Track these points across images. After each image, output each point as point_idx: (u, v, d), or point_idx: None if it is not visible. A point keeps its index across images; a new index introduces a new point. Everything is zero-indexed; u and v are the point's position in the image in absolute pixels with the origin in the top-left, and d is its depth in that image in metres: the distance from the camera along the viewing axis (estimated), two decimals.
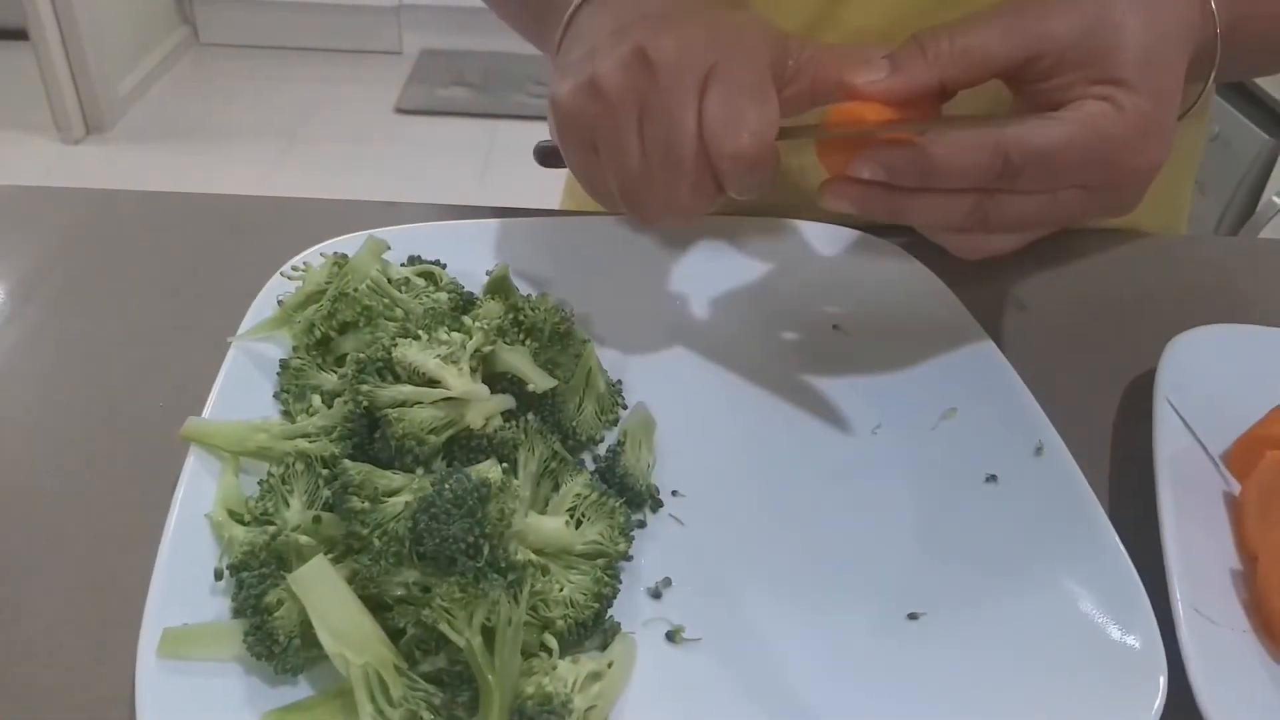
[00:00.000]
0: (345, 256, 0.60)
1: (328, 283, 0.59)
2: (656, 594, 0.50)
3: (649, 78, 0.51)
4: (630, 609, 0.49)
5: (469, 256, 0.65)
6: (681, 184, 0.52)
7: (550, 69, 0.59)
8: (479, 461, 0.48)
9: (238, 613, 0.46)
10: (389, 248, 0.61)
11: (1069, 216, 0.53)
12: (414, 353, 0.51)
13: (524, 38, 0.72)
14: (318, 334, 0.57)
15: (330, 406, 0.52)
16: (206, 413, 0.54)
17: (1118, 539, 0.50)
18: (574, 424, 0.56)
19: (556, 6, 0.61)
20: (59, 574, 0.51)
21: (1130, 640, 0.47)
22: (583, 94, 0.53)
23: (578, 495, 0.50)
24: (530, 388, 0.53)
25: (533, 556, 0.46)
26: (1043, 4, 0.52)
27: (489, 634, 0.43)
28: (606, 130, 0.53)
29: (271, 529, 0.47)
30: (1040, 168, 0.50)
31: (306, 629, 0.44)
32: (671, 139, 0.51)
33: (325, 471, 0.49)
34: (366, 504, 0.46)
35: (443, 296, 0.59)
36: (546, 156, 0.68)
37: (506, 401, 0.52)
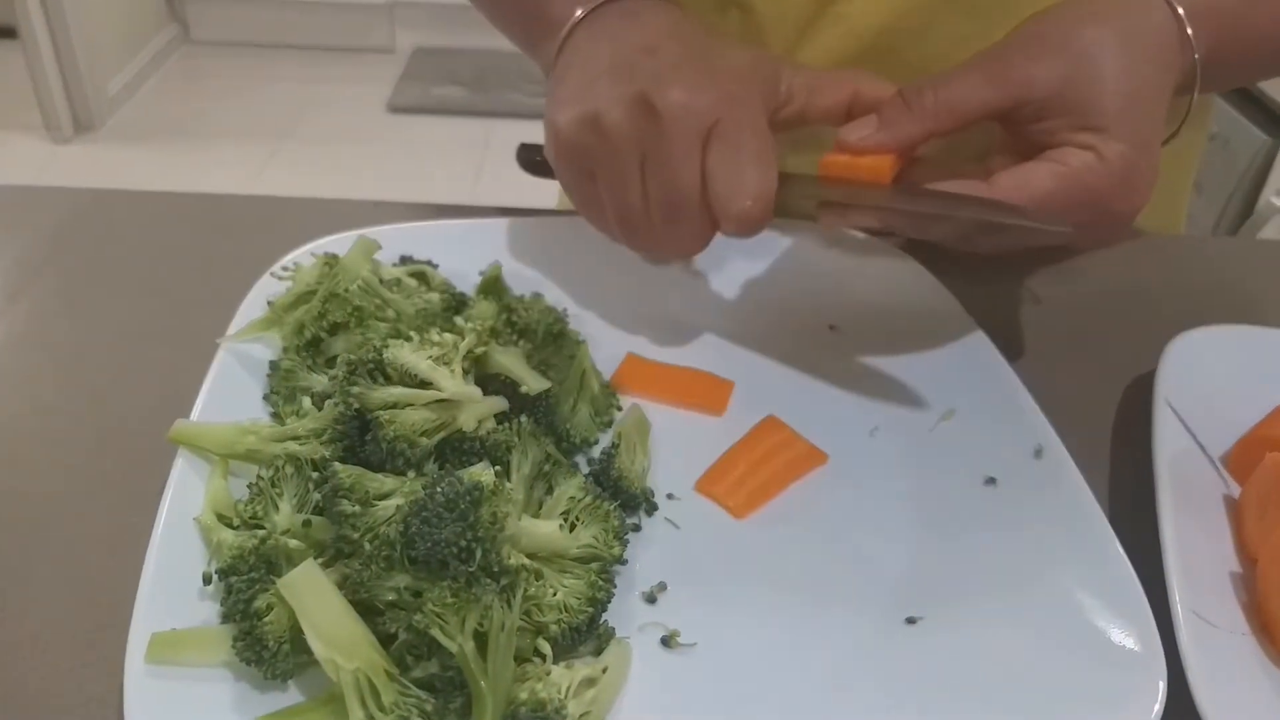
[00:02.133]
0: (336, 256, 0.60)
1: (318, 283, 0.58)
2: (651, 598, 0.50)
3: (654, 127, 0.53)
4: (625, 614, 0.48)
5: (461, 257, 0.64)
6: (681, 231, 0.55)
7: (547, 87, 0.59)
8: (471, 464, 0.48)
9: (227, 617, 0.45)
10: (380, 247, 0.60)
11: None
12: (405, 354, 0.50)
13: (511, 41, 0.71)
14: (308, 335, 0.57)
15: (320, 408, 0.52)
16: (195, 415, 0.54)
17: (1117, 541, 0.50)
18: (568, 426, 0.55)
19: (548, 19, 0.61)
20: (46, 577, 0.50)
21: (1129, 643, 0.46)
22: (586, 127, 0.55)
23: (571, 498, 0.50)
24: (523, 389, 0.52)
25: (526, 561, 0.46)
26: (1024, 52, 0.55)
27: (481, 639, 0.42)
28: (607, 167, 0.55)
29: (261, 533, 0.47)
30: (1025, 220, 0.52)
31: (296, 634, 0.43)
32: (674, 192, 0.53)
33: (315, 474, 0.49)
34: (357, 507, 0.45)
35: (435, 297, 0.59)
36: (535, 166, 0.68)
37: (499, 403, 0.52)
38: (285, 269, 0.61)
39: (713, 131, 0.53)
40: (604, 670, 0.45)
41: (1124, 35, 0.55)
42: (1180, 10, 0.57)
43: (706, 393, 0.61)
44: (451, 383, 0.50)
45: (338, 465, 0.47)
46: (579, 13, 0.59)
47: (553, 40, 0.60)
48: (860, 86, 0.58)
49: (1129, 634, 0.47)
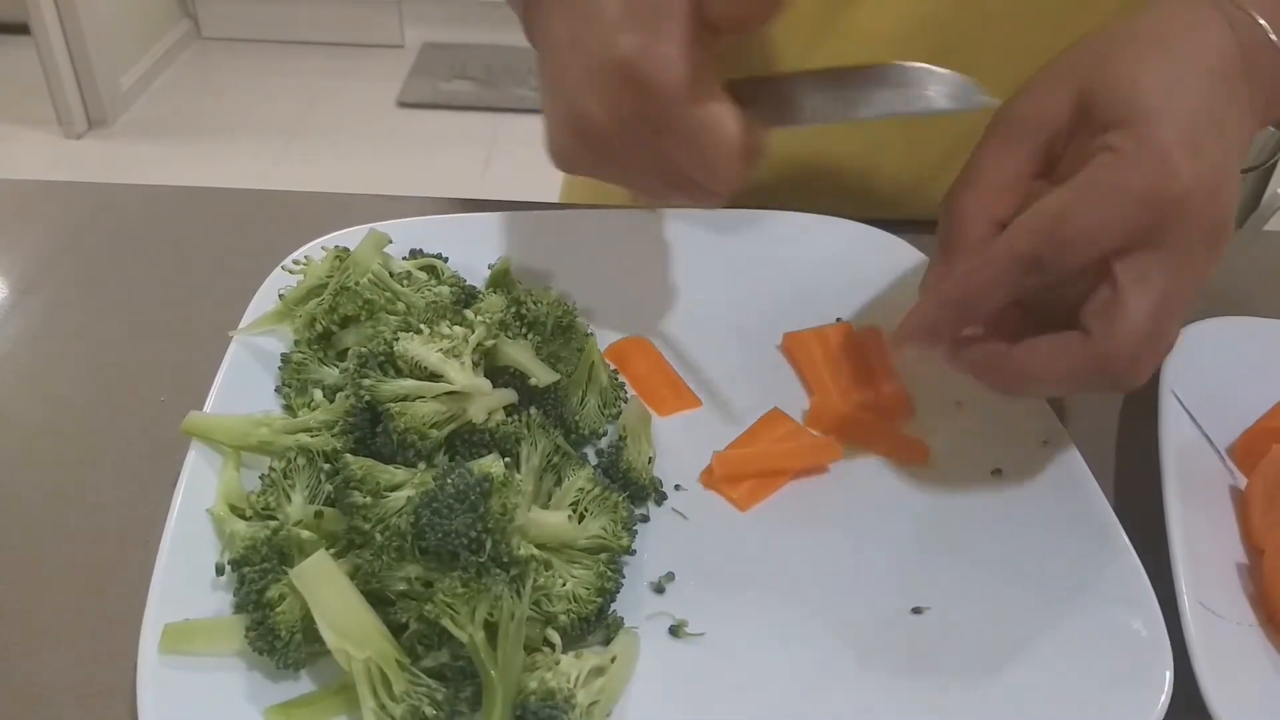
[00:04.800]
0: (347, 250, 0.60)
1: (329, 277, 0.59)
2: (660, 588, 0.50)
3: (601, 147, 0.49)
4: (633, 603, 0.49)
5: (471, 250, 0.65)
6: (694, 195, 0.51)
7: (536, 65, 0.55)
8: (481, 456, 0.48)
9: (239, 608, 0.45)
10: (391, 241, 0.61)
11: (1163, 294, 0.45)
12: (416, 347, 0.50)
13: None
14: (319, 328, 0.57)
15: (332, 401, 0.52)
16: (208, 407, 0.54)
17: (1123, 532, 0.50)
18: (576, 418, 0.56)
19: None
20: (60, 569, 0.51)
21: (1136, 633, 0.46)
22: (573, 164, 0.51)
23: (580, 490, 0.50)
24: (532, 382, 0.53)
25: (535, 551, 0.46)
26: (1031, 96, 0.50)
27: (491, 629, 0.42)
28: (611, 167, 0.51)
29: (273, 524, 0.47)
30: (1057, 244, 0.45)
31: (308, 624, 0.44)
32: (655, 189, 0.50)
33: (327, 466, 0.49)
34: (368, 499, 0.46)
35: (445, 290, 0.59)
36: None
37: (509, 396, 0.52)
38: (296, 263, 0.61)
39: (654, 122, 0.47)
40: (612, 659, 0.45)
41: (1152, 41, 0.48)
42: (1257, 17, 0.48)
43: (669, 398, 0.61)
44: (461, 375, 0.50)
45: (349, 457, 0.48)
46: None
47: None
48: None
49: (1135, 624, 0.47)
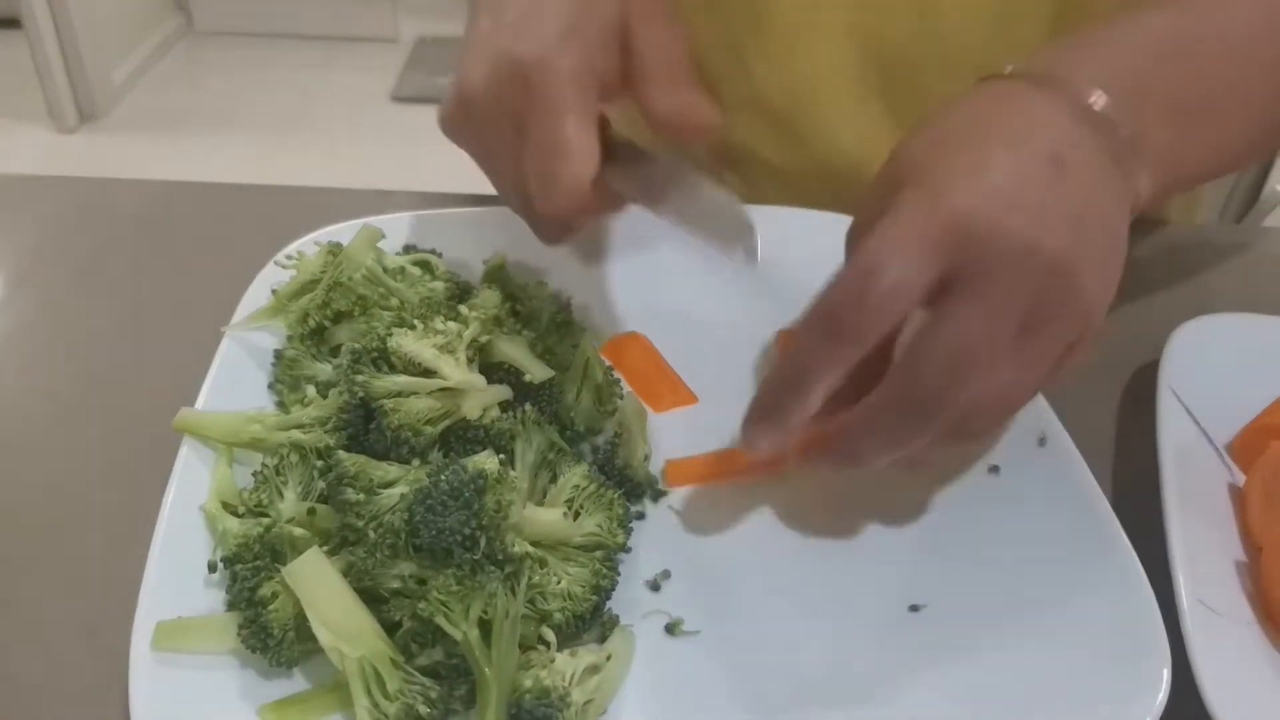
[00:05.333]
0: (340, 245, 0.60)
1: (322, 272, 0.58)
2: (655, 586, 0.50)
3: (473, 125, 0.52)
4: (629, 601, 0.49)
5: (465, 245, 0.64)
6: (533, 218, 0.54)
7: None
8: (476, 452, 0.48)
9: (232, 605, 0.45)
10: (384, 236, 0.60)
11: (976, 333, 0.42)
12: (410, 342, 0.50)
13: None
14: (312, 323, 0.57)
15: (325, 397, 0.52)
16: (200, 403, 0.54)
17: (1121, 530, 0.50)
18: (572, 414, 0.55)
19: None
20: (51, 566, 0.51)
21: (1134, 631, 0.46)
22: (448, 127, 0.54)
23: (576, 486, 0.50)
24: (527, 378, 0.52)
25: (530, 548, 0.46)
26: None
27: (486, 627, 0.42)
28: (475, 144, 0.54)
29: (266, 521, 0.47)
30: (860, 303, 0.42)
31: (301, 622, 0.43)
32: (509, 194, 0.53)
33: (320, 463, 0.49)
34: (362, 496, 0.45)
35: (439, 285, 0.59)
36: None
37: (503, 392, 0.52)
38: (289, 258, 0.61)
39: (519, 124, 0.49)
40: (608, 658, 0.45)
41: (966, 118, 0.46)
42: (1094, 98, 0.46)
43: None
44: (456, 371, 0.50)
45: (342, 453, 0.47)
46: None
47: None
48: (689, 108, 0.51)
49: (1133, 622, 0.47)
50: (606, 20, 0.50)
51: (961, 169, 0.43)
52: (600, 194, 0.49)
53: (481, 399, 0.50)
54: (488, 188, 0.57)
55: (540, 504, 0.49)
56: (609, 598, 0.48)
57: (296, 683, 0.44)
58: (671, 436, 0.57)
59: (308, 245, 0.62)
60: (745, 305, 0.66)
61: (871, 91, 0.71)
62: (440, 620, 0.42)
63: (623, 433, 0.54)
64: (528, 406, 0.52)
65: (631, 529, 0.50)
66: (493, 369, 0.53)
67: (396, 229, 0.62)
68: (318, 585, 0.43)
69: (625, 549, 0.50)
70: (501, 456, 0.47)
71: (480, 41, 0.51)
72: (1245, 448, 0.56)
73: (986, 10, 0.68)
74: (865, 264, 0.42)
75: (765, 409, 0.47)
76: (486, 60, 0.50)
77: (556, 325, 0.56)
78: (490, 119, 0.50)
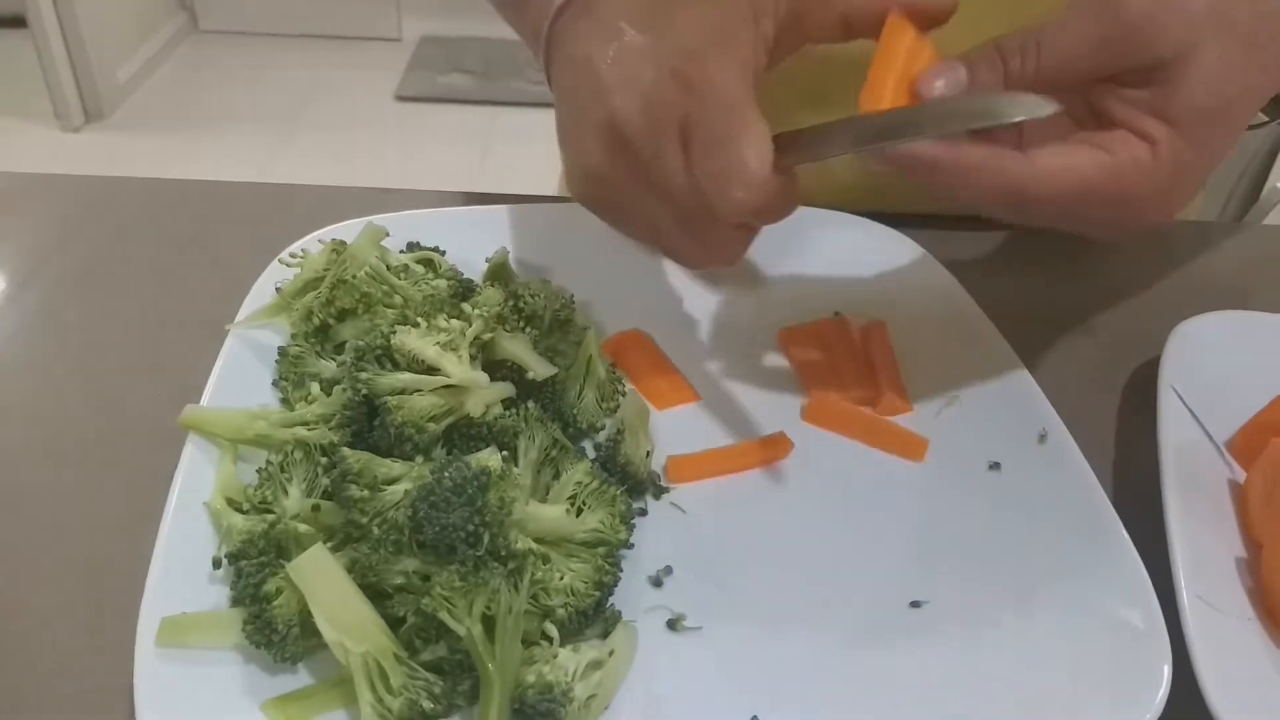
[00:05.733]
0: (344, 243, 0.60)
1: (326, 269, 0.59)
2: (658, 582, 0.50)
3: (630, 157, 0.49)
4: (631, 597, 0.49)
5: (468, 243, 0.64)
6: (707, 242, 0.51)
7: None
8: (479, 449, 0.48)
9: (236, 601, 0.45)
10: (388, 234, 0.60)
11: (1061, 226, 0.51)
12: (413, 340, 0.50)
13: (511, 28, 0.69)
14: (316, 321, 0.57)
15: (329, 394, 0.52)
16: (205, 400, 0.54)
17: (1122, 527, 0.50)
18: (574, 411, 0.56)
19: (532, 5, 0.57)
20: (56, 562, 0.51)
21: (1135, 628, 0.46)
22: (589, 184, 0.52)
23: (578, 483, 0.50)
24: (530, 375, 0.53)
25: (533, 545, 0.46)
26: (1136, 28, 0.47)
27: (489, 623, 0.42)
28: (618, 212, 0.52)
29: (270, 517, 0.47)
30: (1051, 209, 0.48)
31: (306, 618, 0.44)
32: (677, 211, 0.50)
33: (324, 459, 0.49)
34: (366, 492, 0.45)
35: (442, 283, 0.59)
36: None
37: (506, 389, 0.52)
38: (293, 255, 0.61)
39: (685, 128, 0.47)
40: (610, 653, 0.45)
41: (1245, 19, 0.47)
42: None
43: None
44: (459, 368, 0.50)
45: (346, 450, 0.48)
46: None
47: (537, 40, 0.56)
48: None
49: (1134, 619, 0.47)
50: (742, 13, 0.49)
51: (1217, 119, 0.47)
52: (780, 185, 0.47)
53: (484, 396, 0.50)
54: (490, 186, 0.57)
55: (543, 501, 0.49)
56: (611, 594, 0.48)
57: (301, 678, 0.44)
58: (673, 433, 0.57)
59: (312, 243, 0.63)
60: (747, 303, 0.66)
61: None
62: (444, 616, 0.42)
63: (625, 430, 0.54)
64: (530, 404, 0.52)
65: (634, 525, 0.51)
66: (495, 366, 0.53)
67: (400, 227, 0.62)
68: (322, 581, 0.43)
69: (627, 545, 0.50)
70: (504, 453, 0.48)
71: (605, 81, 0.49)
72: (1246, 445, 0.56)
73: None
74: (1107, 184, 0.47)
75: (957, 158, 0.47)
76: (629, 90, 0.48)
77: (559, 323, 0.56)
78: (649, 145, 0.48)
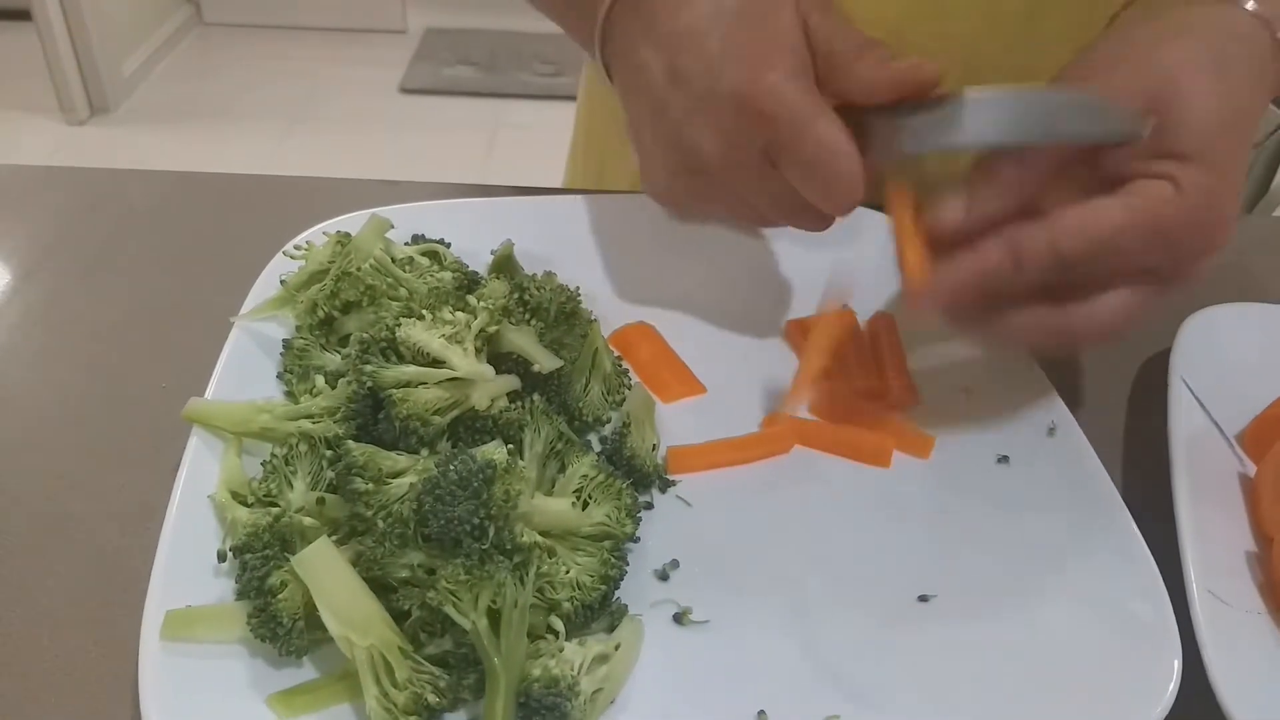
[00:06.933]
0: (348, 235, 0.60)
1: (331, 262, 0.58)
2: (664, 576, 0.50)
3: (709, 178, 0.52)
4: (637, 591, 0.49)
5: (473, 235, 0.64)
6: (808, 218, 0.54)
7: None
8: (484, 442, 0.48)
9: (241, 595, 0.45)
10: (392, 226, 0.60)
11: (1144, 307, 0.50)
12: (418, 333, 0.50)
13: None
14: (321, 314, 0.57)
15: (334, 387, 0.52)
16: (209, 393, 0.54)
17: (1132, 521, 0.50)
18: (580, 404, 0.55)
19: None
20: (61, 555, 0.51)
21: (1144, 621, 0.46)
22: (675, 200, 0.55)
23: (584, 476, 0.50)
24: (536, 368, 0.52)
25: (539, 538, 0.46)
26: (1107, 73, 0.50)
27: (495, 616, 0.42)
28: (699, 214, 0.56)
29: (275, 510, 0.47)
30: (1103, 254, 0.48)
31: (311, 611, 0.43)
32: (774, 207, 0.53)
33: (329, 453, 0.49)
34: (370, 485, 0.45)
35: (447, 276, 0.59)
36: None
37: (512, 382, 0.52)
38: (298, 248, 0.61)
39: (770, 155, 0.50)
40: (616, 647, 0.45)
41: (1214, 50, 0.49)
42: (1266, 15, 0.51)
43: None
44: (464, 361, 0.50)
45: (351, 443, 0.47)
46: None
47: (590, 34, 0.58)
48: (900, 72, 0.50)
49: (1144, 612, 0.47)
50: (788, 25, 0.51)
51: (1231, 165, 0.49)
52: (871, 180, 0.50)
53: (490, 389, 0.50)
54: (495, 178, 0.57)
55: (549, 494, 0.49)
56: (617, 587, 0.48)
57: (306, 672, 0.44)
58: (679, 426, 0.57)
59: (316, 235, 0.62)
60: (753, 295, 0.66)
61: None
62: (449, 609, 0.42)
63: (631, 423, 0.54)
64: (536, 396, 0.52)
65: (640, 518, 0.50)
66: (501, 359, 0.53)
67: (404, 219, 0.62)
68: (327, 574, 0.43)
69: (633, 538, 0.50)
70: (510, 446, 0.47)
71: (663, 106, 0.52)
72: (1256, 438, 0.56)
73: None
74: (1132, 229, 0.47)
75: (959, 281, 0.50)
76: (699, 124, 0.51)
77: (565, 315, 0.56)
78: (735, 175, 0.52)
